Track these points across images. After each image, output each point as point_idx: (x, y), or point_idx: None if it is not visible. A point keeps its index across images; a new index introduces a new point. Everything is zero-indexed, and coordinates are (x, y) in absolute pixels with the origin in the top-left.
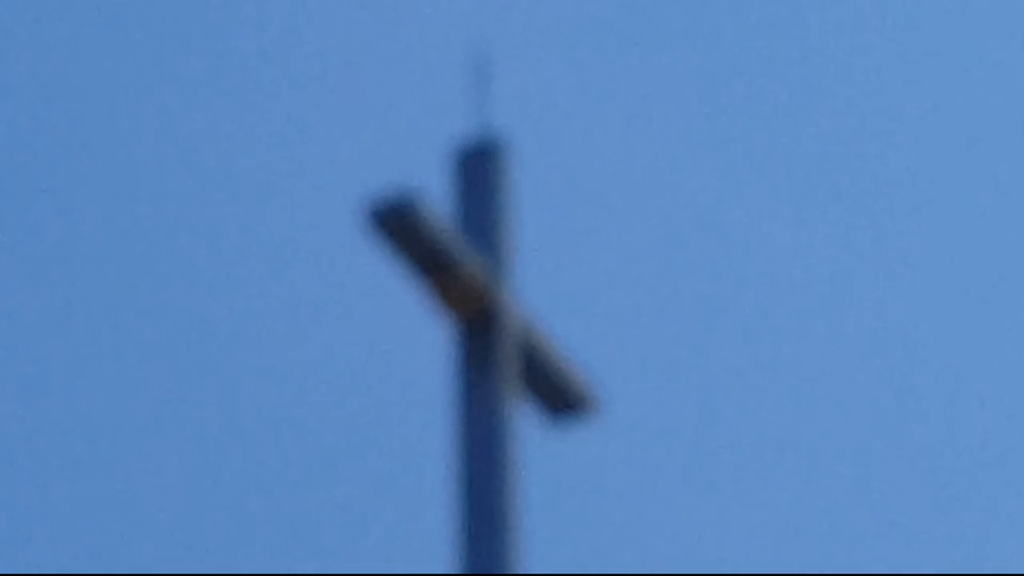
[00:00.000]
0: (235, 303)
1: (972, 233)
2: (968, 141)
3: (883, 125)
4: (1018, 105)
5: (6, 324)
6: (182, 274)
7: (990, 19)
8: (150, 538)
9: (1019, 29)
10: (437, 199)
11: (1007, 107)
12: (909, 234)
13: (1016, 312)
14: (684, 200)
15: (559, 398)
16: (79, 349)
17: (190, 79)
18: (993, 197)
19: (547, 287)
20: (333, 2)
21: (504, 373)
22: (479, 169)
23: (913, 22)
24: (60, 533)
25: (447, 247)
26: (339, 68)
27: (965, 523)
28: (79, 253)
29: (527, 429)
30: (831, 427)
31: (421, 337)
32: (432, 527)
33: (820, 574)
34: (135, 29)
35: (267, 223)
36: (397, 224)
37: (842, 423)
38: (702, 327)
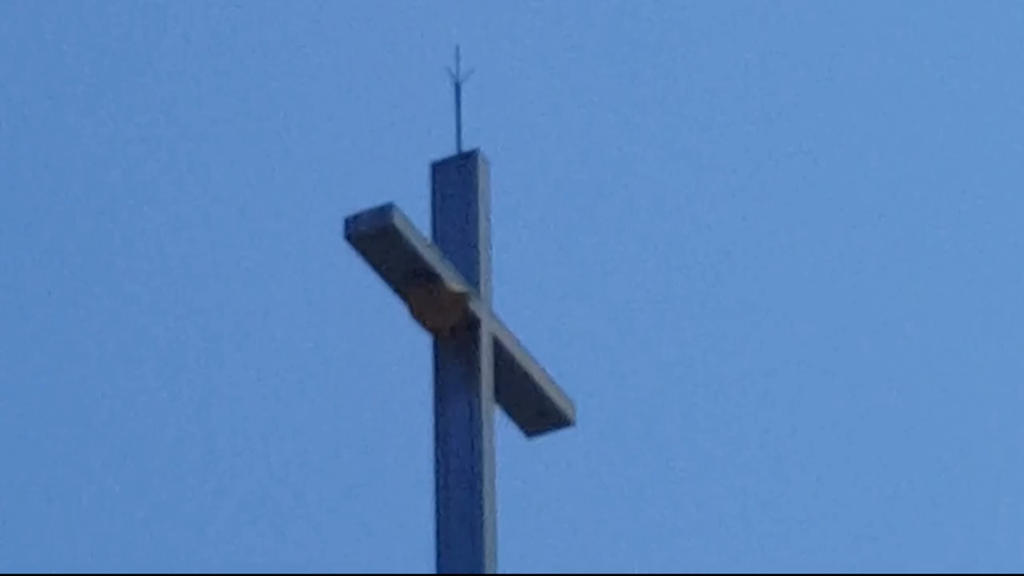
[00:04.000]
0: (215, 316)
1: (955, 237)
2: (965, 142)
3: (851, 131)
4: (1017, 107)
5: None
6: (164, 286)
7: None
8: (138, 539)
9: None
10: (414, 214)
11: (1007, 108)
12: (889, 243)
13: (1015, 312)
14: (659, 212)
15: (534, 408)
16: (61, 356)
17: (171, 96)
18: (992, 198)
19: (523, 300)
20: (312, 20)
21: (481, 384)
22: (455, 184)
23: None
24: (50, 533)
25: (424, 261)
26: (318, 85)
27: (952, 529)
28: (53, 265)
29: (504, 439)
30: (807, 433)
31: (399, 349)
32: (410, 534)
33: (799, 574)
34: (121, 50)
35: (247, 237)
36: (375, 238)
37: (819, 428)
38: (676, 338)
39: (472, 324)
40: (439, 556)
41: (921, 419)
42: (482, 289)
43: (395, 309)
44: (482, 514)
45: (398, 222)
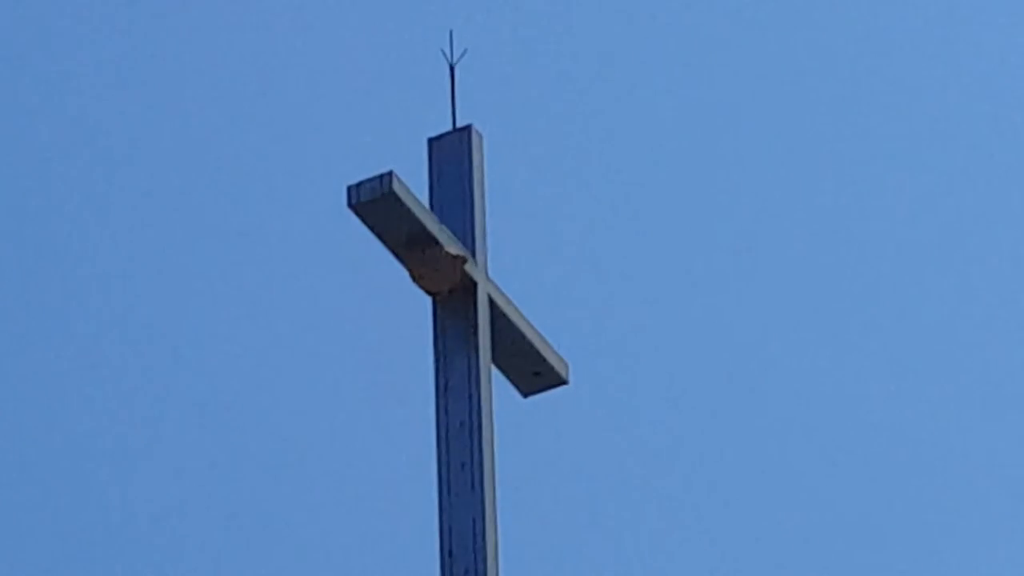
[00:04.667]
0: (216, 285)
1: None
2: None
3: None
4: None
5: None
6: (163, 257)
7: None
8: (129, 542)
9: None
10: (413, 186)
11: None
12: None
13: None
14: (643, 179)
15: (530, 368)
16: (55, 350)
17: (173, 73)
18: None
19: (517, 263)
20: (318, 9)
21: (479, 343)
22: (451, 157)
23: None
24: (41, 537)
25: (423, 226)
26: (323, 69)
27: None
28: (50, 254)
29: (502, 400)
30: (799, 411)
31: (400, 310)
32: (411, 494)
33: None
34: (119, 31)
35: (256, 209)
36: (376, 205)
37: (809, 410)
38: (665, 298)
39: (469, 287)
40: (441, 507)
41: (922, 418)
42: (478, 253)
43: (396, 273)
44: (482, 467)
45: (398, 189)
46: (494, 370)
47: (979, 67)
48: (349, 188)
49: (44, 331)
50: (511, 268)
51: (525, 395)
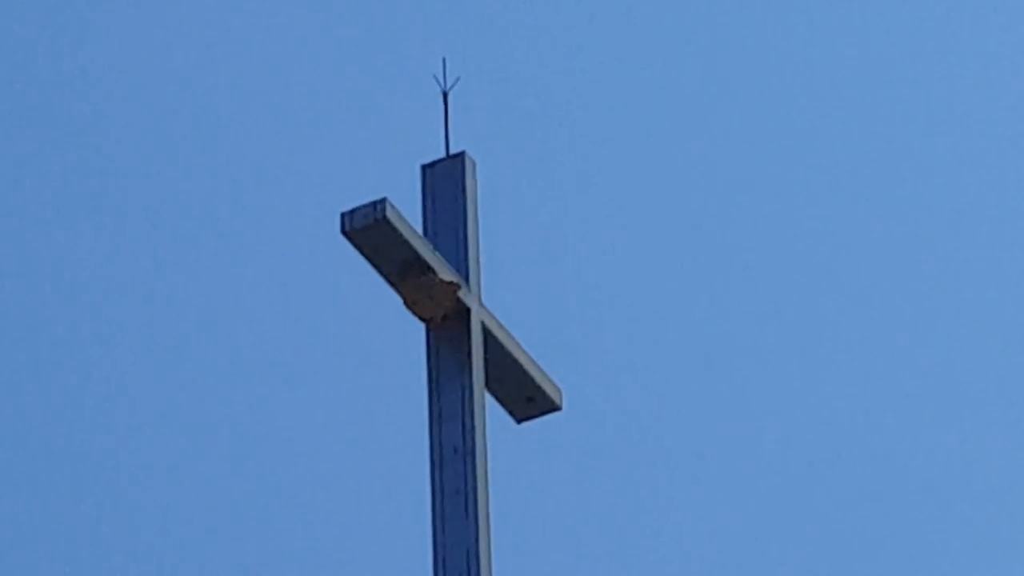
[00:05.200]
0: (211, 309)
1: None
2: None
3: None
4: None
5: None
6: (158, 279)
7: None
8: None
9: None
10: (407, 212)
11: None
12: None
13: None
14: (635, 204)
15: (523, 395)
16: (49, 353)
17: (168, 93)
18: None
19: (510, 290)
20: (309, 22)
21: (472, 369)
22: (444, 184)
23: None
24: (37, 539)
25: (416, 253)
26: (317, 96)
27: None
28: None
29: (495, 426)
30: (793, 427)
31: (394, 337)
32: (406, 522)
33: None
34: (117, 52)
35: (249, 235)
36: (369, 232)
37: (806, 423)
38: (659, 325)
39: (463, 313)
40: (435, 533)
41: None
42: (471, 280)
43: (389, 299)
44: (476, 492)
45: (391, 216)
46: (488, 396)
47: (978, 67)
48: (343, 215)
49: (30, 343)
50: (505, 294)
51: (519, 421)
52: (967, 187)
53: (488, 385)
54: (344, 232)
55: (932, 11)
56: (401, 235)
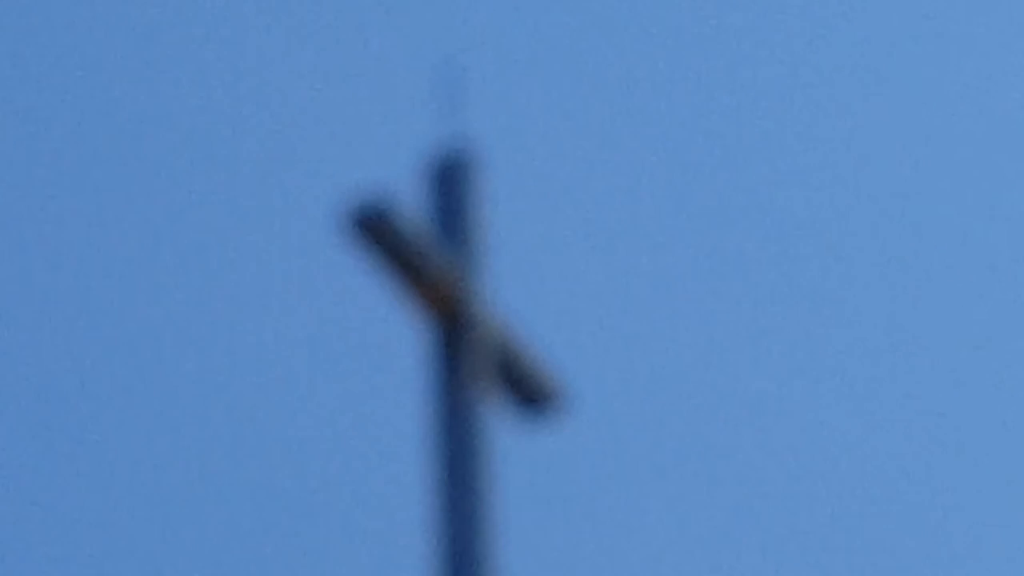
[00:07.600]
0: (211, 305)
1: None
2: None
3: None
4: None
5: None
6: (158, 274)
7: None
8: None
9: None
10: (412, 204)
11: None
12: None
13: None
14: (652, 207)
15: (532, 396)
16: (49, 355)
17: (169, 83)
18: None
19: (517, 288)
20: (312, 11)
21: (478, 372)
22: (453, 175)
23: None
24: (35, 541)
25: (422, 250)
26: (318, 77)
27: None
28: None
29: (501, 427)
30: (803, 424)
31: (396, 338)
32: (408, 524)
33: None
34: (114, 36)
35: (247, 229)
36: (374, 228)
37: (815, 422)
38: (669, 323)
39: (466, 312)
40: (435, 535)
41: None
42: (476, 278)
43: (393, 297)
44: (480, 496)
45: (394, 212)
46: (491, 396)
47: (978, 67)
48: (345, 211)
49: (30, 344)
50: (510, 293)
51: (524, 423)
52: (967, 187)
53: (492, 386)
54: (346, 228)
55: (932, 11)
56: (404, 232)
